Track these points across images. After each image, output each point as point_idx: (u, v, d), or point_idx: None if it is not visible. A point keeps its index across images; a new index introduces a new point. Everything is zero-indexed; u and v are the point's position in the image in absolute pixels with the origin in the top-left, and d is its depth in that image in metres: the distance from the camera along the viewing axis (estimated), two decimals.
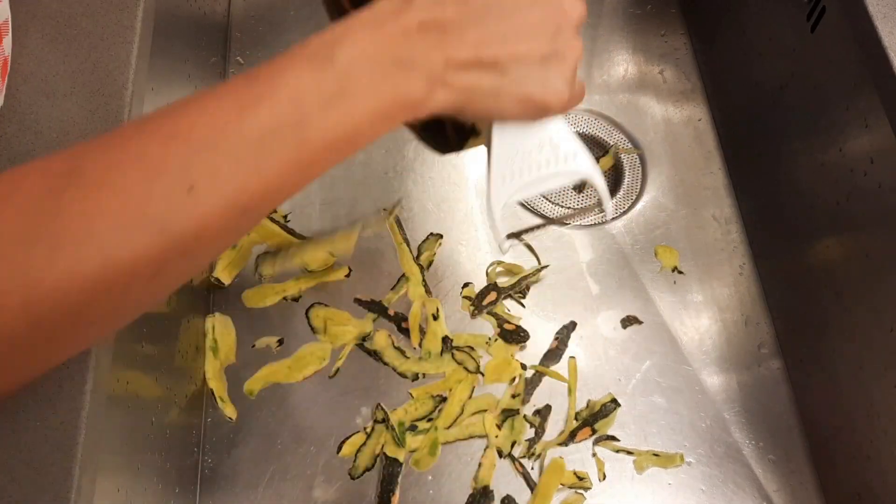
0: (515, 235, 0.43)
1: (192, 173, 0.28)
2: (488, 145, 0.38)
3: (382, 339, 0.64)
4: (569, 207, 0.74)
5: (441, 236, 0.70)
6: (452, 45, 0.33)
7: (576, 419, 0.62)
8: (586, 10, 0.37)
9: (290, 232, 0.68)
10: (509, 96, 0.35)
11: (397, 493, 0.59)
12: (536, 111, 0.36)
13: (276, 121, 0.30)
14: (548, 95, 0.36)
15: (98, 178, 0.27)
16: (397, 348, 0.64)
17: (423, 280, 0.67)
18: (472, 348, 0.64)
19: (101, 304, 0.28)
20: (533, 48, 0.35)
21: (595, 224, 0.72)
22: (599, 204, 0.42)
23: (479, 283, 0.68)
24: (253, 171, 0.29)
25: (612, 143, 0.77)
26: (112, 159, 0.28)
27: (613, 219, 0.73)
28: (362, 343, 0.64)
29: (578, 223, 0.72)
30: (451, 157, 0.74)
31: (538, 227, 0.40)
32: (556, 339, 0.66)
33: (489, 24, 0.34)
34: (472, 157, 0.75)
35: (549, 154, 0.38)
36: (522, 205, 0.72)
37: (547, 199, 0.74)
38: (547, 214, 0.72)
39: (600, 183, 0.40)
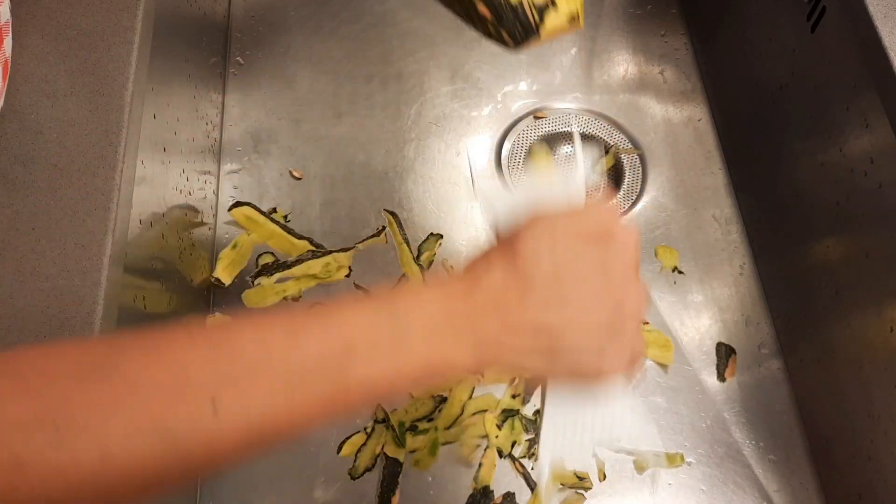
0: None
1: (221, 392, 0.28)
2: (542, 397, 0.38)
3: None
4: None
5: (441, 236, 0.70)
6: (510, 328, 0.33)
7: None
8: (649, 302, 0.37)
9: (291, 232, 0.68)
10: (561, 364, 0.34)
11: (397, 493, 0.59)
12: (590, 374, 0.36)
13: (322, 355, 0.30)
14: (601, 367, 0.35)
15: (129, 375, 0.27)
16: None
17: (424, 280, 0.67)
18: None
19: (84, 496, 0.27)
20: (589, 342, 0.34)
21: None
22: None
23: None
24: (283, 401, 0.29)
25: (612, 144, 0.77)
26: (150, 359, 0.28)
27: None
28: None
29: None
30: (451, 158, 0.74)
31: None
32: None
33: (548, 292, 0.34)
34: (473, 158, 0.75)
35: (601, 422, 0.38)
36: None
37: None
38: None
39: (641, 452, 0.39)
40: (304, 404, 0.30)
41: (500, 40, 0.45)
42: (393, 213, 0.71)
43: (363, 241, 0.69)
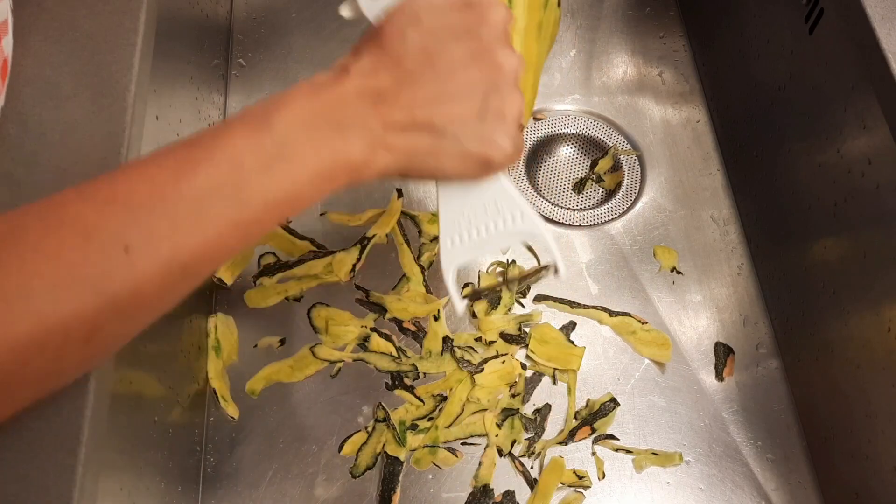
0: (473, 296, 0.42)
1: (128, 235, 0.28)
2: (438, 206, 0.38)
3: (376, 345, 0.64)
4: (568, 208, 0.74)
5: None
6: (388, 108, 0.34)
7: (575, 418, 0.63)
8: (522, 63, 0.37)
9: (292, 233, 0.69)
10: (448, 155, 0.35)
11: (398, 491, 0.59)
12: (478, 168, 0.37)
13: (213, 183, 0.30)
14: (489, 151, 0.36)
15: (35, 241, 0.28)
16: (399, 348, 0.64)
17: (424, 280, 0.68)
18: (472, 349, 0.64)
19: (35, 365, 0.28)
20: (466, 107, 0.35)
21: (595, 224, 0.73)
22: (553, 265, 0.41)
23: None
24: (191, 232, 0.30)
25: (611, 145, 0.77)
26: (50, 223, 0.28)
27: (613, 219, 0.73)
28: (364, 343, 0.64)
29: (578, 224, 0.73)
30: None
31: (496, 287, 0.40)
32: None
33: (423, 86, 0.34)
34: None
35: (496, 215, 0.38)
36: None
37: (546, 198, 0.74)
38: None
39: (550, 242, 0.39)
40: (212, 231, 0.30)
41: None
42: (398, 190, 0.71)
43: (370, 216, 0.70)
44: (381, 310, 0.66)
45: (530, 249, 0.69)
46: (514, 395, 0.63)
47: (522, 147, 0.39)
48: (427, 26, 0.35)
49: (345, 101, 0.33)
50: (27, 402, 0.30)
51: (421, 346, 0.65)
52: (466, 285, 0.68)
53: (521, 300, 0.67)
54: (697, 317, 0.69)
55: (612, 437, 0.62)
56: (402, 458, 0.60)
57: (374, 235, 0.69)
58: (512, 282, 0.42)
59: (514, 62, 0.37)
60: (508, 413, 0.62)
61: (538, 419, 0.62)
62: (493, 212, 0.38)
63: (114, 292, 0.28)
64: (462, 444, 0.61)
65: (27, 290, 0.27)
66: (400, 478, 0.59)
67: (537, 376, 0.64)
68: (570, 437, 0.62)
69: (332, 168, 0.33)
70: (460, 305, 0.40)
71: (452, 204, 0.38)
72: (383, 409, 0.61)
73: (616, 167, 0.77)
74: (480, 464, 0.61)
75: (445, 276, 0.39)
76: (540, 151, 0.78)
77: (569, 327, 0.67)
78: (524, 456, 0.61)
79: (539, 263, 0.69)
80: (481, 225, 0.38)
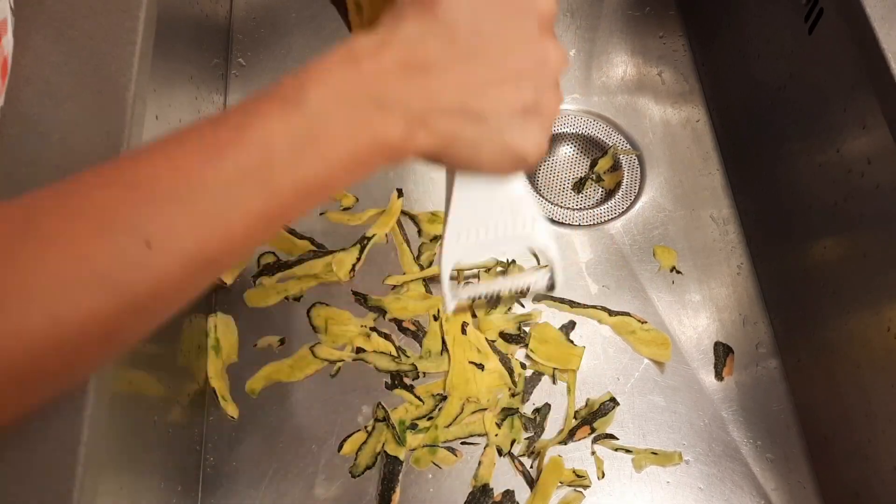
0: (464, 297, 0.40)
1: (150, 227, 0.26)
2: (448, 198, 0.36)
3: (374, 345, 0.64)
4: (568, 207, 0.74)
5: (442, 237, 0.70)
6: (436, 87, 0.30)
7: (575, 418, 0.63)
8: (567, 60, 0.35)
9: (292, 232, 0.69)
10: (488, 146, 0.32)
11: (398, 491, 0.59)
12: (512, 163, 0.34)
13: (241, 169, 0.28)
14: (527, 147, 0.33)
15: (51, 232, 0.26)
16: (399, 348, 0.64)
17: (424, 280, 0.68)
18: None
19: (50, 365, 0.27)
20: (516, 97, 0.32)
21: (594, 224, 0.73)
22: (551, 279, 0.40)
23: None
24: (216, 223, 0.28)
25: (610, 144, 0.77)
26: (68, 211, 0.27)
27: (613, 219, 0.73)
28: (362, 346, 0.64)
29: (578, 224, 0.73)
30: None
31: (490, 298, 0.38)
32: None
33: (475, 68, 0.31)
34: None
35: (508, 217, 0.36)
36: None
37: (546, 198, 0.74)
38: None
39: (555, 255, 0.38)
40: (238, 222, 0.28)
41: None
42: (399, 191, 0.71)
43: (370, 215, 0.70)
44: (380, 311, 0.66)
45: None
46: (513, 395, 0.63)
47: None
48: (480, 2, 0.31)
49: (388, 75, 0.30)
50: (40, 401, 0.29)
51: (420, 346, 0.65)
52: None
53: (521, 300, 0.67)
54: (697, 316, 0.69)
55: (611, 436, 0.62)
56: (401, 457, 0.60)
57: (373, 235, 0.69)
58: (492, 301, 0.41)
59: (562, 56, 0.34)
60: (508, 412, 0.62)
61: (538, 419, 0.62)
62: (505, 213, 0.36)
63: (134, 290, 0.27)
64: (462, 443, 0.61)
65: (43, 287, 0.25)
66: (400, 477, 0.59)
67: (537, 376, 0.64)
68: (569, 436, 0.62)
69: (368, 151, 0.30)
70: (451, 304, 0.39)
71: (466, 198, 0.36)
72: (383, 408, 0.61)
73: (616, 167, 0.77)
74: (480, 463, 0.61)
75: (443, 271, 0.37)
76: None
77: (568, 327, 0.67)
78: (524, 455, 0.61)
79: (539, 263, 0.69)
80: (490, 224, 0.36)
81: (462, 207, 0.36)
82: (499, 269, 0.68)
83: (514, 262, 0.69)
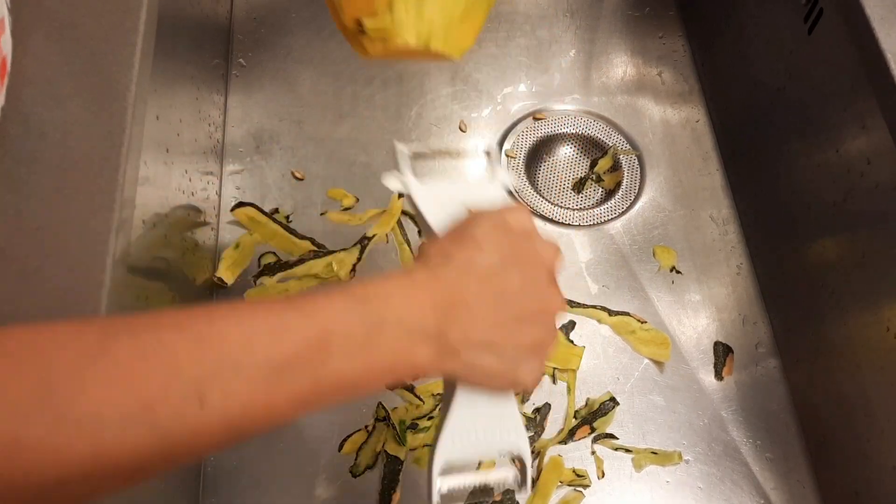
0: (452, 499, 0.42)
1: (207, 385, 0.28)
2: (447, 404, 0.40)
3: None
4: (568, 207, 0.74)
5: None
6: (470, 323, 0.35)
7: (575, 417, 0.63)
8: (564, 304, 0.40)
9: (293, 232, 0.69)
10: (502, 375, 0.37)
11: (398, 490, 0.59)
12: (513, 387, 0.40)
13: (301, 349, 0.31)
14: (529, 378, 0.38)
15: (121, 364, 0.27)
16: None
17: None
18: None
19: (73, 489, 0.27)
20: (529, 336, 0.37)
21: (594, 224, 0.73)
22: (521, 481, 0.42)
23: None
24: (264, 396, 0.30)
25: (610, 145, 0.77)
26: (140, 345, 0.28)
27: (612, 219, 0.73)
28: None
29: (578, 224, 0.73)
30: (453, 163, 0.75)
31: (475, 492, 0.41)
32: None
33: (501, 307, 0.36)
34: (473, 160, 0.75)
35: (496, 424, 0.40)
36: (515, 199, 0.72)
37: (546, 198, 0.74)
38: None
39: (527, 459, 0.41)
40: (281, 399, 0.30)
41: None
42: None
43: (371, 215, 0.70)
44: None
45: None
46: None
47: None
48: (503, 249, 0.37)
49: (434, 308, 0.34)
50: None
51: None
52: None
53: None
54: (697, 316, 0.69)
55: (611, 436, 0.62)
56: (402, 457, 0.60)
57: (374, 235, 0.69)
58: (476, 494, 0.43)
59: (560, 302, 0.40)
60: None
61: (538, 418, 0.63)
62: (496, 421, 0.40)
63: (174, 438, 0.28)
64: None
65: (97, 415, 0.26)
66: (400, 477, 0.59)
67: None
68: (569, 436, 0.62)
69: (403, 367, 0.35)
70: (436, 499, 0.41)
71: (465, 406, 0.39)
72: (383, 408, 0.61)
73: (615, 167, 0.77)
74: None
75: (434, 468, 0.40)
76: (540, 151, 0.78)
77: (568, 326, 0.67)
78: None
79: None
80: (480, 431, 0.40)
81: (460, 417, 0.39)
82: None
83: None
